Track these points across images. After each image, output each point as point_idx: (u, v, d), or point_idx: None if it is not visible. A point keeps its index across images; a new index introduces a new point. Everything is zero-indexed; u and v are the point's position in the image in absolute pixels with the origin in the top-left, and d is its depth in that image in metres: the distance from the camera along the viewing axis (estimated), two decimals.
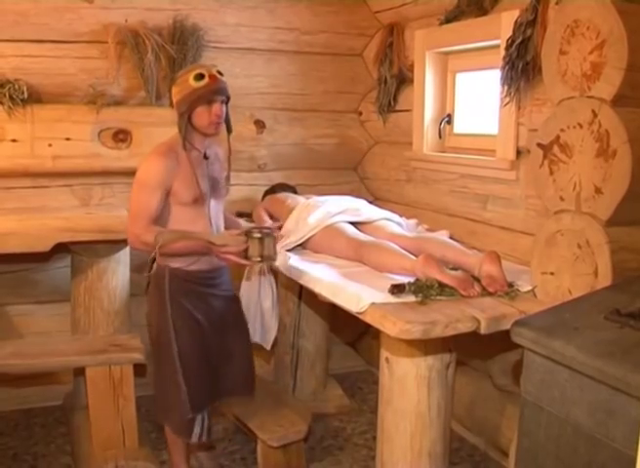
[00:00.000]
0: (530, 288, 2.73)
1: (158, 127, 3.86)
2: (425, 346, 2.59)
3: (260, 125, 4.29)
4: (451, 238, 3.47)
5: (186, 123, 2.81)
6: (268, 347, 3.66)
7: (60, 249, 3.62)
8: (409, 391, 2.65)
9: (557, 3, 2.50)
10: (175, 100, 2.85)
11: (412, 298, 2.59)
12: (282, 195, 3.96)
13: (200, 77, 2.77)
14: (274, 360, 4.30)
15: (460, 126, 3.96)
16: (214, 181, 2.99)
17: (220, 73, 2.86)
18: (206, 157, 2.96)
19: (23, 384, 4.07)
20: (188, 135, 2.85)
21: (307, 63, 4.31)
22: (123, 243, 3.54)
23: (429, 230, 3.74)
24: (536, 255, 2.69)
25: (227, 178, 3.11)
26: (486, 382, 3.56)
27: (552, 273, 2.60)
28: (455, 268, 2.85)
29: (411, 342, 2.55)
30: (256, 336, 3.53)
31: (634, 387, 1.49)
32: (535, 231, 2.85)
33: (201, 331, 2.98)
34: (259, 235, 2.80)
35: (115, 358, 3.34)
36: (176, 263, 2.91)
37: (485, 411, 3.55)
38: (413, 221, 3.80)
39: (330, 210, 3.45)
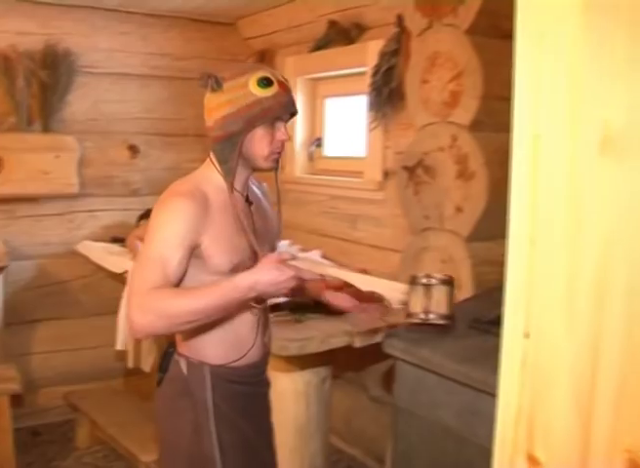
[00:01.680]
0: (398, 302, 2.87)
1: (30, 153, 3.79)
2: (302, 362, 2.69)
3: (133, 150, 4.28)
4: (323, 257, 3.59)
5: (237, 151, 1.85)
6: (148, 370, 3.65)
7: None
8: (288, 406, 2.73)
9: (419, 35, 2.67)
10: (219, 115, 1.84)
11: (288, 317, 2.68)
12: None
13: (267, 82, 1.81)
14: (153, 382, 4.27)
15: (330, 149, 4.10)
16: (260, 238, 1.96)
17: (286, 80, 1.92)
18: (249, 202, 2.00)
19: None
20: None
21: (180, 89, 4.34)
22: None
23: (303, 250, 3.85)
24: (404, 271, 2.85)
25: (279, 231, 2.19)
26: (361, 395, 3.69)
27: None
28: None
29: (288, 359, 2.64)
30: (136, 360, 3.51)
31: (495, 387, 1.63)
32: (402, 248, 3.00)
33: (253, 451, 2.08)
34: (447, 286, 1.98)
35: None
36: (218, 359, 1.95)
37: (361, 423, 3.68)
38: (286, 242, 3.90)
39: None
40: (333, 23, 3.61)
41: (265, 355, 2.12)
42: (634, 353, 0.82)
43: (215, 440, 1.94)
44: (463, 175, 2.55)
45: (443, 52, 2.58)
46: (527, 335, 0.95)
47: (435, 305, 1.93)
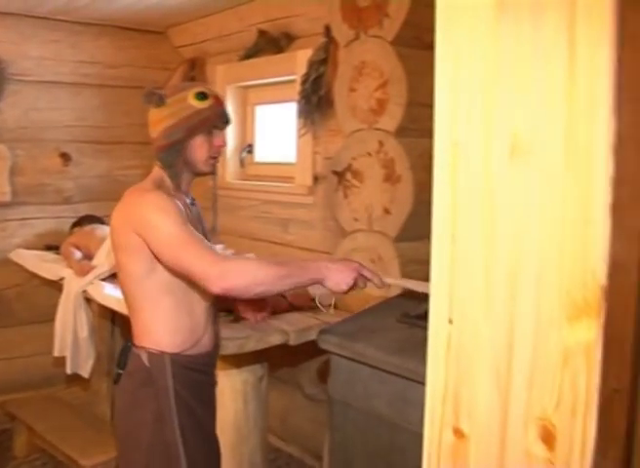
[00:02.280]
0: (331, 301, 2.98)
1: None
2: (239, 361, 2.77)
3: (65, 157, 4.27)
4: None
5: (181, 157, 2.08)
6: (87, 375, 3.68)
7: None
8: (226, 405, 2.80)
9: (346, 46, 2.79)
10: (163, 127, 2.06)
11: (225, 316, 2.76)
12: (89, 227, 3.99)
13: (203, 96, 2.07)
14: (91, 388, 4.30)
15: (261, 155, 4.18)
16: (204, 234, 2.18)
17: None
18: (194, 204, 2.23)
19: None
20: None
21: (112, 96, 4.35)
22: None
23: (235, 254, 3.92)
24: None
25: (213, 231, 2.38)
26: (296, 393, 3.78)
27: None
28: None
29: (225, 358, 2.71)
30: (74, 366, 3.53)
31: (424, 376, 1.75)
32: (332, 250, 3.11)
33: (210, 437, 2.25)
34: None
35: None
36: (175, 346, 2.08)
37: (298, 421, 3.76)
38: (219, 246, 3.96)
39: None
40: (262, 33, 3.68)
41: (217, 346, 2.28)
42: (544, 332, 0.94)
43: (176, 426, 2.04)
44: (390, 178, 2.67)
45: (369, 61, 2.69)
46: (450, 321, 1.07)
47: None
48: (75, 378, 3.57)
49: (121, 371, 2.14)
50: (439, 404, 1.10)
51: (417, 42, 2.63)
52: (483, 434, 1.04)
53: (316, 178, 3.52)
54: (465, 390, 1.05)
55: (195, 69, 4.31)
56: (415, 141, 2.67)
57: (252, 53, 3.82)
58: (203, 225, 2.25)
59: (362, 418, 2.05)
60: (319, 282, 1.97)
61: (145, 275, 2.00)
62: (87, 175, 4.41)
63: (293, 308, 2.92)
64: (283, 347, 2.67)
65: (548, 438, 0.95)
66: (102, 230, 3.86)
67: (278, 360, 3.04)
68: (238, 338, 2.53)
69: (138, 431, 2.09)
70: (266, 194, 3.91)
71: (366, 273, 1.97)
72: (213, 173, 2.21)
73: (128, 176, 4.56)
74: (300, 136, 3.52)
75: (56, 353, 3.53)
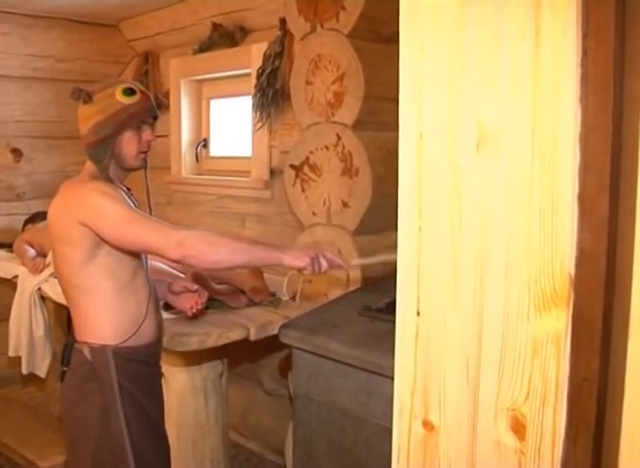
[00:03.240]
0: (290, 296, 2.97)
1: None
2: (199, 357, 2.75)
3: (17, 153, 4.19)
4: None
5: (110, 152, 2.10)
6: (43, 375, 3.61)
7: None
8: (187, 402, 2.78)
9: (302, 39, 2.77)
10: (92, 123, 2.07)
11: (215, 310, 2.75)
12: (43, 224, 3.92)
13: (131, 92, 2.09)
14: (48, 388, 4.23)
15: (217, 149, 4.15)
16: None
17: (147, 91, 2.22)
18: (130, 195, 2.24)
19: None
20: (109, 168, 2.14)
21: (64, 91, 4.12)
22: None
23: None
24: None
25: None
26: (256, 389, 3.76)
27: (310, 281, 2.87)
28: (221, 283, 3.04)
29: (184, 354, 2.69)
30: (30, 366, 3.47)
31: (387, 369, 1.76)
32: (291, 244, 3.10)
33: (156, 429, 2.27)
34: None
35: None
36: (113, 338, 2.09)
37: (258, 417, 3.75)
38: None
39: None
40: (217, 26, 3.66)
41: (160, 336, 2.30)
42: (512, 322, 0.94)
43: (122, 419, 2.08)
44: (348, 172, 2.67)
45: (326, 54, 2.68)
46: (418, 313, 1.07)
47: None
48: (31, 378, 3.51)
49: (65, 369, 2.15)
50: (408, 396, 1.10)
51: (373, 35, 2.63)
52: (453, 425, 1.04)
53: (273, 173, 3.51)
54: (434, 382, 1.05)
55: (149, 63, 4.26)
56: (372, 135, 2.67)
57: (206, 46, 3.79)
58: None
59: (326, 412, 2.05)
60: (277, 260, 2.00)
61: (86, 261, 2.03)
62: (39, 170, 4.33)
63: (252, 302, 2.91)
64: (243, 342, 2.65)
65: (519, 428, 0.96)
66: None
67: (238, 355, 3.03)
68: (198, 334, 2.51)
69: (84, 425, 2.11)
70: (222, 189, 3.88)
71: (327, 255, 2.01)
72: (144, 167, 2.22)
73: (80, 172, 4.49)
74: (255, 130, 3.50)
75: (10, 353, 3.47)
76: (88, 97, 2.09)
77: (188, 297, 2.40)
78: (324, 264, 1.99)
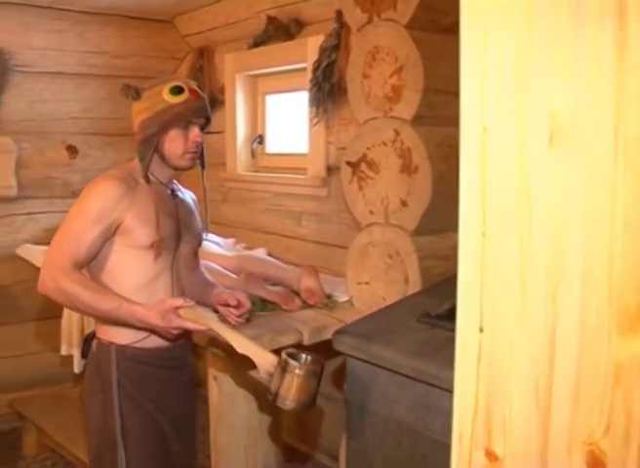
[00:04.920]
0: (347, 298, 2.87)
1: None
2: (250, 360, 2.66)
3: (72, 150, 4.18)
4: (269, 255, 3.57)
5: (154, 150, 2.10)
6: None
7: None
8: (239, 406, 2.71)
9: (359, 30, 2.66)
10: (139, 120, 2.11)
11: (265, 312, 2.67)
12: None
13: (178, 90, 2.08)
14: None
15: (273, 146, 4.07)
16: (182, 227, 2.23)
17: (200, 89, 2.20)
18: (173, 194, 2.23)
19: None
20: (153, 166, 2.13)
21: (118, 87, 4.20)
22: None
23: (247, 248, 3.82)
24: (350, 267, 2.84)
25: (205, 226, 2.43)
26: None
27: (367, 283, 2.76)
28: (275, 284, 2.95)
29: (235, 358, 2.61)
30: (81, 365, 3.43)
31: (446, 381, 1.64)
32: (348, 244, 2.99)
33: (159, 436, 2.19)
34: (295, 370, 1.90)
35: None
36: (124, 338, 2.11)
37: (313, 421, 3.67)
38: (231, 241, 3.87)
39: None
40: (271, 19, 3.58)
41: (184, 343, 2.26)
42: (590, 343, 0.82)
43: (117, 419, 2.09)
44: (407, 169, 2.55)
45: (383, 46, 2.57)
46: (481, 330, 0.95)
47: (284, 391, 1.89)
48: (83, 377, 3.48)
49: (85, 361, 2.23)
50: (469, 422, 0.98)
51: (433, 25, 2.50)
52: (520, 458, 0.92)
53: (330, 169, 3.41)
54: (499, 407, 0.93)
55: (203, 58, 4.21)
56: (432, 130, 2.54)
57: (261, 40, 3.72)
58: (185, 218, 2.26)
59: (381, 425, 1.94)
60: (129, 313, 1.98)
61: (112, 251, 2.08)
62: (94, 167, 4.30)
63: (306, 305, 2.82)
64: (297, 345, 2.56)
65: (597, 466, 0.83)
66: None
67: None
68: (249, 338, 2.42)
69: (91, 419, 2.17)
70: (278, 186, 3.80)
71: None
72: (191, 167, 2.20)
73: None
74: (312, 126, 3.41)
75: (63, 352, 3.45)
76: (135, 94, 2.12)
77: (228, 312, 2.34)
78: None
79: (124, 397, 2.09)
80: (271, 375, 1.91)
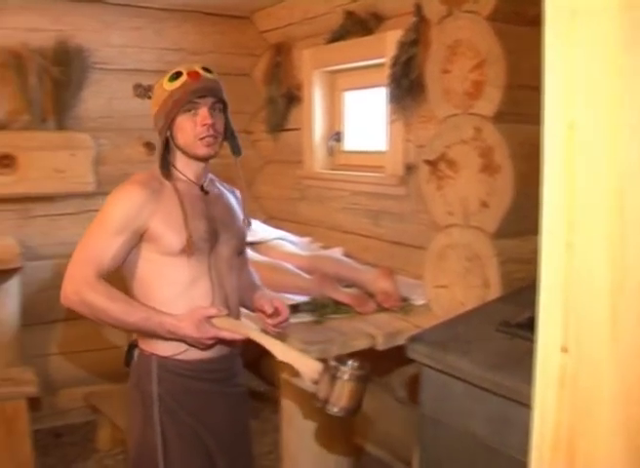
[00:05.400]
0: (423, 301, 2.77)
1: (44, 151, 3.72)
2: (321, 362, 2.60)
3: (150, 147, 4.18)
4: (344, 255, 3.50)
5: (165, 143, 1.98)
6: None
7: None
8: (308, 409, 2.65)
9: (438, 23, 2.56)
10: (153, 116, 2.02)
11: (308, 318, 2.59)
12: None
13: (176, 76, 1.94)
14: None
15: (350, 143, 4.00)
16: (219, 226, 2.07)
17: (207, 70, 2.01)
18: (204, 191, 2.08)
19: None
20: (178, 161, 2.02)
21: None
22: (10, 273, 3.39)
23: (323, 248, 3.76)
24: (428, 269, 2.74)
25: (246, 223, 2.24)
26: (387, 396, 3.59)
27: (445, 286, 2.65)
28: (349, 285, 2.88)
29: None
30: None
31: (526, 396, 1.53)
32: (426, 245, 2.89)
33: (203, 450, 2.05)
34: (345, 376, 1.81)
35: (6, 393, 3.19)
36: (165, 350, 1.98)
37: (388, 425, 3.59)
38: (307, 240, 3.81)
39: None
40: (349, 14, 3.51)
41: (230, 353, 2.09)
42: None
43: (158, 434, 1.98)
44: (488, 168, 2.43)
45: (464, 40, 2.46)
46: (565, 350, 0.85)
47: (336, 397, 1.80)
48: None
49: (127, 369, 2.12)
50: (548, 452, 0.88)
51: (516, 17, 2.38)
52: None
53: (408, 168, 3.31)
54: (584, 441, 0.83)
55: (281, 55, 4.17)
56: (515, 127, 2.42)
57: (339, 35, 3.65)
58: (222, 216, 2.10)
59: (455, 438, 1.84)
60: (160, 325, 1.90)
61: (140, 259, 1.98)
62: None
63: (381, 308, 2.73)
64: (372, 350, 2.48)
65: None
66: None
67: (369, 360, 2.85)
68: (319, 342, 2.36)
69: (132, 430, 2.08)
70: (356, 184, 3.73)
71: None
72: (210, 154, 2.01)
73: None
74: (390, 123, 3.31)
75: None
76: (144, 92, 2.07)
77: (265, 319, 2.17)
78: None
79: (164, 411, 1.99)
80: (316, 383, 1.82)
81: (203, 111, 1.94)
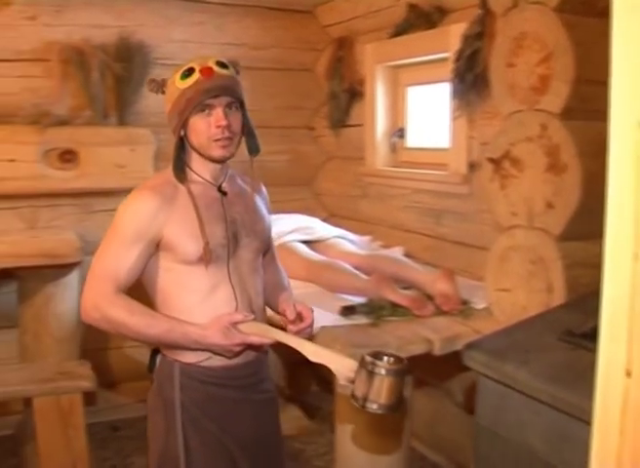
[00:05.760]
0: (484, 305, 2.68)
1: (106, 146, 3.75)
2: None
3: None
4: (405, 255, 3.42)
5: (179, 143, 1.90)
6: None
7: (5, 274, 3.49)
8: (361, 410, 2.58)
9: (503, 15, 2.46)
10: (167, 114, 1.94)
11: (363, 320, 2.52)
12: None
13: (188, 73, 1.84)
14: None
15: (413, 140, 3.91)
16: (239, 228, 1.96)
17: (222, 65, 1.88)
18: (222, 192, 1.96)
19: None
20: (194, 162, 1.92)
21: (257, 79, 4.17)
22: (70, 267, 3.41)
23: (383, 247, 3.69)
24: (490, 272, 2.65)
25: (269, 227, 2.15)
26: (446, 400, 3.51)
27: (507, 290, 2.55)
28: (407, 287, 2.80)
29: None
30: None
31: (588, 413, 1.43)
32: (489, 246, 2.79)
33: (227, 458, 1.97)
34: (382, 372, 1.71)
35: (63, 387, 3.20)
36: (189, 356, 1.91)
37: (445, 429, 3.51)
38: (367, 238, 3.75)
39: (281, 229, 3.38)
40: (413, 7, 3.43)
41: (256, 358, 1.99)
42: None
43: (181, 443, 1.90)
44: (554, 167, 2.33)
45: (530, 32, 2.35)
46: (629, 373, 0.76)
47: (375, 394, 1.71)
48: None
49: (150, 374, 2.05)
50: None
51: (586, 8, 2.27)
52: None
53: (472, 166, 3.22)
54: None
55: (343, 49, 4.11)
56: (584, 124, 2.30)
57: (402, 29, 3.57)
58: (242, 217, 1.98)
59: (512, 451, 1.75)
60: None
61: (158, 269, 1.90)
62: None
63: (440, 311, 2.65)
64: (426, 356, 2.40)
65: None
66: None
67: (427, 365, 2.78)
68: (374, 346, 2.28)
69: (153, 437, 2.01)
70: (418, 182, 3.64)
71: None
72: (226, 156, 1.90)
73: (275, 162, 4.43)
74: (453, 119, 3.22)
75: None
76: (158, 87, 1.97)
77: (287, 325, 2.03)
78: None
79: (187, 419, 1.90)
80: (352, 381, 1.74)
81: (217, 112, 1.84)
